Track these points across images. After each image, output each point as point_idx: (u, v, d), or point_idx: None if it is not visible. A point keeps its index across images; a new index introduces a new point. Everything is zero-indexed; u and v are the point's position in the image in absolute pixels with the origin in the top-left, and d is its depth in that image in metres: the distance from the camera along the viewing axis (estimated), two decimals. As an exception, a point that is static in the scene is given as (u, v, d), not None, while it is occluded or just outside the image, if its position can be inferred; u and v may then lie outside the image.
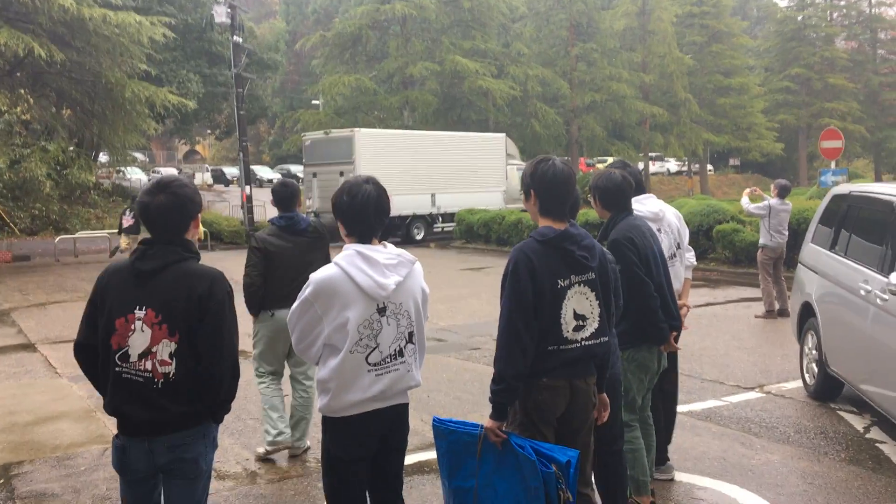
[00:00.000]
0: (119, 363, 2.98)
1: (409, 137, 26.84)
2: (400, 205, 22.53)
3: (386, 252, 3.23)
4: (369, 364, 3.17)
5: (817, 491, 4.87)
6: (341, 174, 22.44)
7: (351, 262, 3.17)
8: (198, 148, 67.82)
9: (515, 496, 3.21)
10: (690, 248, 5.60)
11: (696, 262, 5.99)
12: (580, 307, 3.35)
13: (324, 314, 3.16)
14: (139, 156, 47.70)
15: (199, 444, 3.05)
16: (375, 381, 3.18)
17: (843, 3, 55.10)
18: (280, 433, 5.55)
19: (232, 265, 20.52)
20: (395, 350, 3.22)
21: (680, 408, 6.67)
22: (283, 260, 5.48)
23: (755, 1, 69.11)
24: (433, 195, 25.14)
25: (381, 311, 3.18)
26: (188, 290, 2.96)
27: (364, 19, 32.85)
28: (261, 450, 5.66)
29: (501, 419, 3.28)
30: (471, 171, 26.28)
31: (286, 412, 5.72)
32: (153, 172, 47.63)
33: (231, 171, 47.21)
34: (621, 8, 43.70)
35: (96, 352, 3.04)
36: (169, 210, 3.01)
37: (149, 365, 2.95)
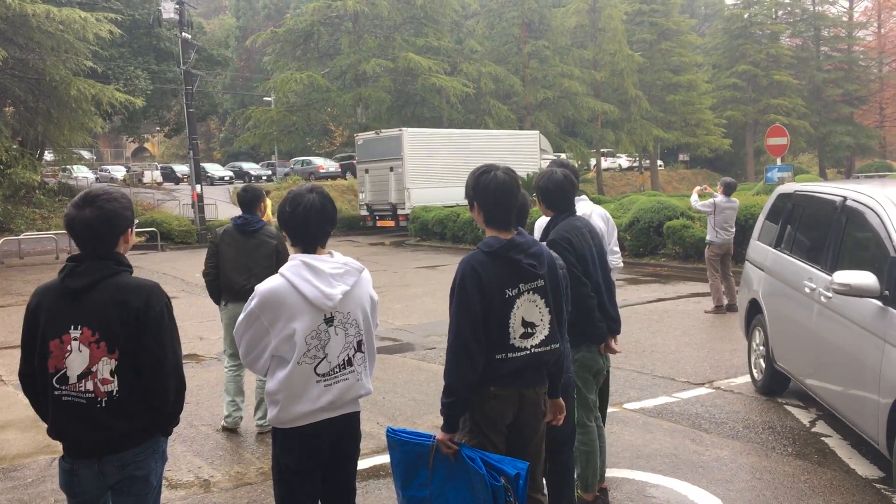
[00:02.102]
0: (57, 386, 2.89)
1: (451, 135, 30.04)
2: (443, 196, 25.52)
3: (332, 261, 3.20)
4: (318, 375, 3.15)
5: (765, 486, 4.98)
6: (391, 170, 24.85)
7: (296, 272, 3.14)
8: (147, 145, 66.66)
9: None
10: (617, 250, 5.66)
11: (622, 264, 6.04)
12: (529, 315, 3.36)
13: (270, 326, 3.13)
14: (86, 154, 46.58)
15: (150, 460, 3.00)
16: (325, 392, 3.16)
17: (787, 0, 56.30)
18: (228, 416, 6.31)
19: (184, 265, 20.33)
20: (343, 360, 3.20)
21: (632, 405, 6.81)
22: (231, 256, 6.12)
23: (703, -1, 70.17)
24: None
25: (329, 321, 3.16)
26: (124, 305, 2.88)
27: (316, 15, 32.57)
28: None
29: (453, 431, 3.30)
30: (508, 164, 27.36)
31: (241, 395, 6.34)
32: (101, 171, 46.67)
33: (181, 168, 46.38)
34: (572, 6, 44.06)
35: None
36: (94, 225, 2.91)
37: (90, 385, 2.87)
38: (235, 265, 6.09)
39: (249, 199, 6.18)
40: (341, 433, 3.26)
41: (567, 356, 3.98)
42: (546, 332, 3.40)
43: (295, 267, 3.16)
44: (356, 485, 3.46)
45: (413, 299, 13.34)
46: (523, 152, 30.06)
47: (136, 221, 3.13)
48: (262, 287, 3.17)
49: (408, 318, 11.51)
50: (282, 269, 3.18)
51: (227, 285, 6.15)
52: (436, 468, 3.32)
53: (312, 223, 3.19)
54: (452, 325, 3.29)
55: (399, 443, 3.43)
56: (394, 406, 6.97)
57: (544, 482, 4.04)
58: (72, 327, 2.88)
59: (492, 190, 3.33)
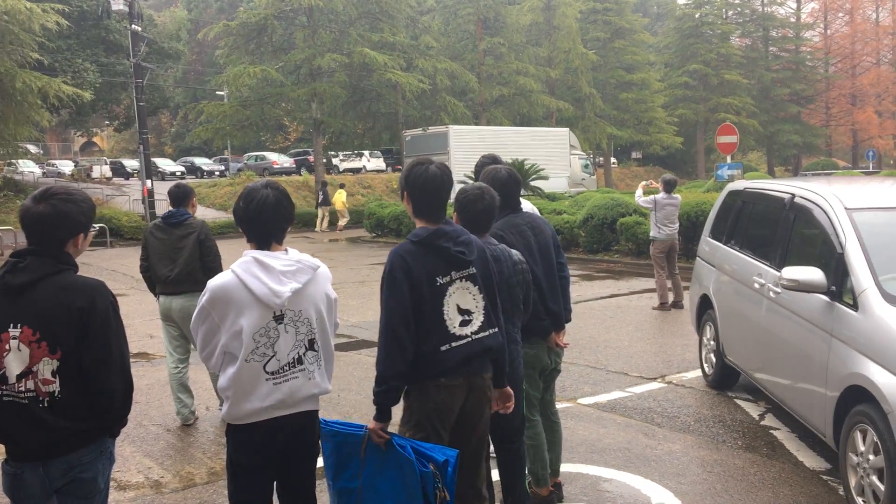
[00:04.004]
0: None
1: (492, 131, 32.60)
2: (545, 185, 26.20)
3: (285, 259, 3.16)
4: (267, 373, 3.11)
5: (716, 479, 5.05)
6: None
7: (246, 268, 3.10)
8: (96, 140, 65.15)
9: (397, 496, 3.25)
10: None
11: None
12: (463, 302, 3.40)
13: (220, 322, 3.09)
14: (32, 148, 45.35)
15: (97, 462, 2.92)
16: (274, 390, 3.12)
17: (737, 1, 57.30)
18: (177, 412, 6.46)
19: (133, 262, 19.92)
20: (293, 358, 3.16)
21: (586, 399, 6.86)
22: (157, 248, 6.33)
23: (655, -2, 71.09)
24: None
25: (279, 318, 3.12)
26: (67, 304, 2.80)
27: (269, 9, 32.11)
28: None
29: (384, 420, 3.31)
30: (541, 159, 29.22)
31: (185, 392, 6.45)
32: (48, 165, 45.55)
33: (131, 163, 45.47)
34: (527, 3, 44.26)
35: None
36: (45, 222, 2.84)
37: (30, 385, 2.79)
38: (161, 257, 6.31)
39: (180, 195, 6.45)
40: (296, 431, 3.21)
41: (517, 357, 4.00)
42: (482, 317, 3.45)
43: (246, 263, 3.12)
44: (314, 484, 3.40)
45: (369, 296, 13.27)
46: (554, 148, 32.31)
47: (95, 229, 3.03)
48: (212, 282, 3.14)
49: (363, 315, 11.45)
50: (233, 265, 3.14)
51: (154, 277, 6.38)
52: (367, 459, 3.33)
53: (267, 219, 3.15)
54: (383, 314, 3.31)
55: (331, 434, 3.43)
56: (349, 403, 6.92)
57: (494, 474, 4.07)
58: (11, 326, 2.80)
59: (421, 182, 3.39)
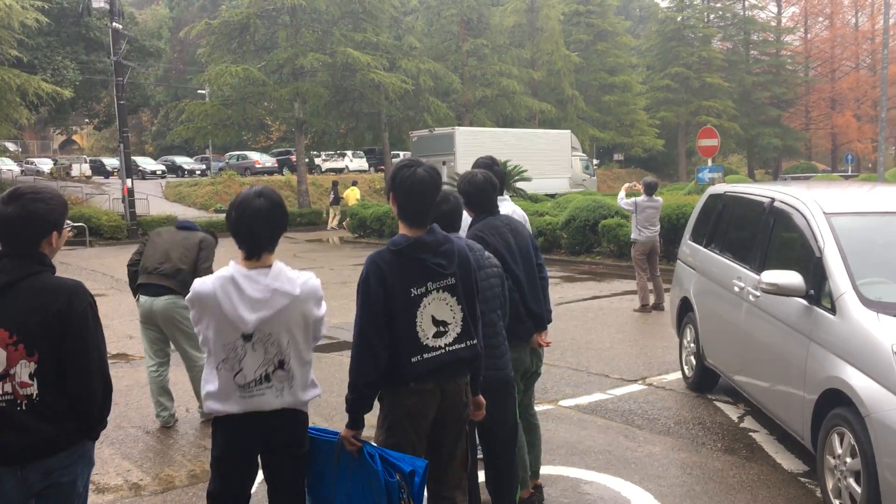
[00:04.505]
0: None
1: (496, 133, 33.91)
2: (528, 186, 27.01)
3: (262, 284, 3.17)
4: (236, 384, 3.20)
5: (696, 481, 5.09)
6: (444, 164, 26.83)
7: (223, 285, 3.17)
8: (75, 137, 64.60)
9: (368, 503, 3.24)
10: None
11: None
12: (439, 313, 3.36)
13: (199, 319, 3.23)
14: (10, 146, 44.97)
15: (76, 466, 2.90)
16: (240, 401, 3.21)
17: (718, 5, 57.73)
18: (157, 415, 6.43)
19: (113, 262, 19.79)
20: (260, 375, 3.21)
21: (567, 402, 6.89)
22: (159, 243, 6.34)
23: (638, 1, 71.49)
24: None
25: (247, 337, 3.17)
26: (44, 306, 2.78)
27: (252, 8, 31.95)
28: None
29: (357, 427, 3.30)
30: (544, 160, 31.64)
31: (165, 395, 6.43)
32: (26, 163, 45.09)
33: (111, 161, 45.03)
34: (510, 5, 44.35)
35: None
36: (15, 223, 2.81)
37: (8, 388, 2.76)
38: (157, 250, 6.30)
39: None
40: (276, 429, 3.26)
41: (505, 354, 4.00)
42: (459, 329, 3.41)
43: (223, 280, 3.18)
44: (303, 485, 3.44)
45: (350, 297, 13.17)
46: (556, 150, 33.85)
47: (70, 225, 3.02)
48: (196, 285, 3.23)
49: (346, 316, 11.37)
50: (216, 274, 3.22)
51: (142, 268, 6.28)
52: (341, 465, 3.33)
53: (260, 229, 3.19)
54: (356, 322, 3.30)
55: (307, 440, 3.45)
56: (330, 406, 6.90)
57: (482, 478, 4.07)
58: None
59: (407, 185, 3.32)
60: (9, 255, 2.83)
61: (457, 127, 32.13)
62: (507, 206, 5.03)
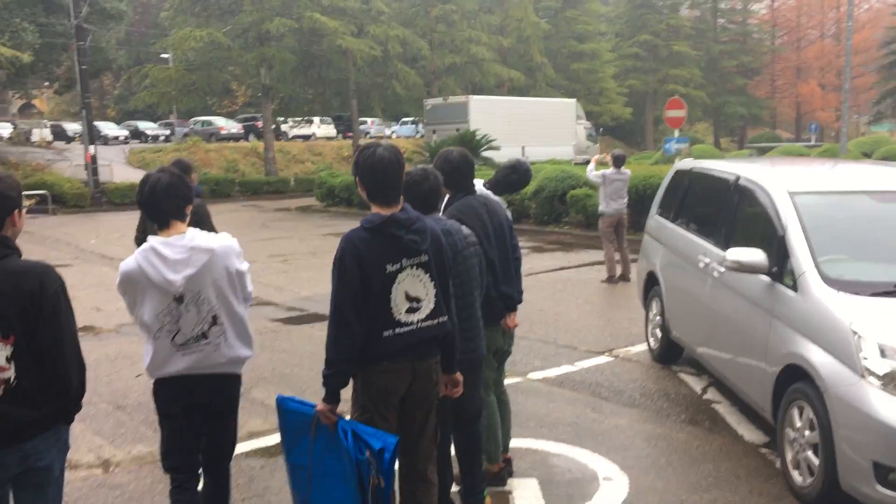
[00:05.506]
0: None
1: (506, 102, 34.78)
2: (500, 154, 26.76)
3: (178, 246, 3.46)
4: (176, 344, 3.50)
5: (660, 452, 5.23)
6: (457, 130, 27.25)
7: (145, 257, 3.46)
8: (35, 102, 63.05)
9: (342, 475, 3.36)
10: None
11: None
12: (413, 289, 3.44)
13: (132, 301, 3.51)
14: (-33, 110, 43.85)
15: (52, 450, 2.92)
16: (181, 359, 3.51)
17: (687, -28, 57.71)
18: None
19: (77, 230, 19.54)
20: (198, 333, 3.52)
21: (536, 374, 7.00)
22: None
23: (607, -33, 71.16)
24: (523, 147, 30.09)
25: (179, 300, 3.46)
26: (16, 289, 2.79)
27: (216, -30, 31.41)
28: None
29: (333, 402, 3.40)
30: (550, 128, 33.20)
31: None
32: (-16, 128, 43.98)
33: (72, 126, 44.05)
34: (480, -30, 43.91)
35: None
36: None
37: None
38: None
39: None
40: (212, 390, 3.62)
41: (478, 336, 4.06)
42: (431, 306, 3.49)
43: (145, 252, 3.47)
44: (235, 440, 3.87)
45: (320, 268, 13.21)
46: (562, 118, 35.14)
47: (26, 205, 3.03)
48: (121, 267, 3.53)
49: (315, 287, 11.42)
50: (137, 251, 3.51)
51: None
52: (317, 437, 3.44)
53: (160, 201, 3.50)
54: (332, 299, 3.38)
55: (285, 411, 3.59)
56: (301, 379, 6.93)
57: (452, 451, 4.16)
58: None
59: (370, 166, 3.40)
60: None
61: (471, 96, 33.21)
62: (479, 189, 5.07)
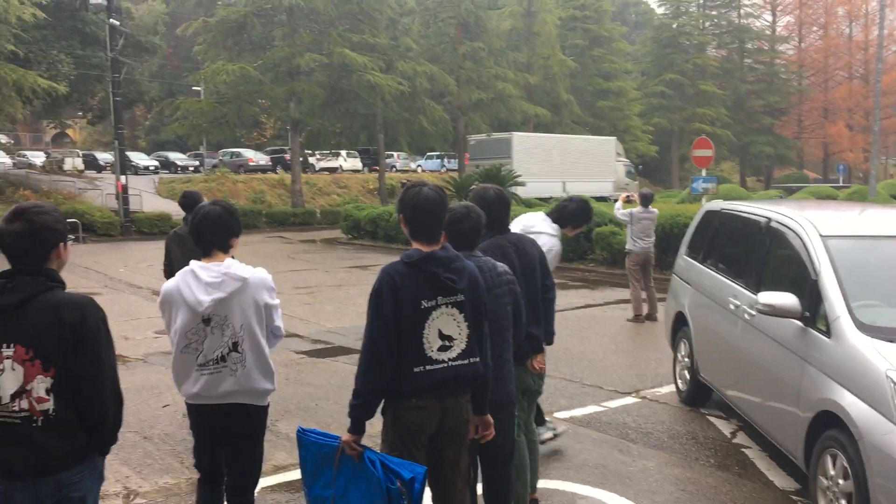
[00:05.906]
0: None
1: (548, 139, 35.91)
2: (541, 189, 29.31)
3: (214, 270, 3.71)
4: (197, 364, 3.75)
5: (689, 497, 5.15)
6: (501, 167, 27.62)
7: (183, 277, 3.74)
8: (68, 131, 64.27)
9: None
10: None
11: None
12: (446, 328, 3.44)
13: (169, 317, 3.77)
14: (3, 138, 44.81)
15: (87, 481, 2.94)
16: (198, 379, 3.75)
17: (714, 13, 57.99)
18: None
19: (107, 259, 19.77)
20: (217, 356, 3.74)
21: (562, 413, 6.95)
22: (178, 254, 6.60)
23: (634, 7, 71.76)
24: (564, 182, 32.16)
25: (206, 321, 3.70)
26: (58, 321, 2.83)
27: (249, 6, 31.97)
28: None
29: (358, 433, 3.40)
30: (590, 165, 34.50)
31: None
32: (18, 156, 44.91)
33: (104, 156, 44.89)
34: (507, 8, 44.50)
35: None
36: (23, 238, 2.86)
37: (24, 404, 2.81)
38: (181, 263, 6.40)
39: (188, 203, 6.76)
40: (231, 418, 3.82)
41: (506, 376, 4.04)
42: (464, 345, 3.48)
43: (185, 273, 3.75)
44: (256, 472, 4.03)
45: (346, 301, 13.28)
46: (602, 155, 36.38)
47: (71, 239, 3.11)
48: (162, 288, 3.81)
49: (340, 321, 11.46)
50: (178, 273, 3.79)
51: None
52: (340, 469, 3.44)
53: (206, 232, 3.77)
54: (366, 330, 3.40)
55: (307, 442, 3.59)
56: (326, 413, 6.94)
57: (479, 492, 4.12)
58: (4, 345, 2.81)
59: (416, 205, 3.45)
60: (20, 272, 2.88)
61: (514, 133, 34.40)
62: (529, 219, 5.12)
